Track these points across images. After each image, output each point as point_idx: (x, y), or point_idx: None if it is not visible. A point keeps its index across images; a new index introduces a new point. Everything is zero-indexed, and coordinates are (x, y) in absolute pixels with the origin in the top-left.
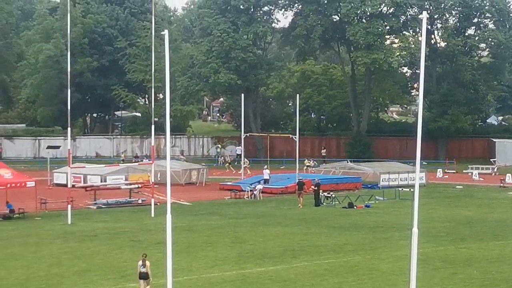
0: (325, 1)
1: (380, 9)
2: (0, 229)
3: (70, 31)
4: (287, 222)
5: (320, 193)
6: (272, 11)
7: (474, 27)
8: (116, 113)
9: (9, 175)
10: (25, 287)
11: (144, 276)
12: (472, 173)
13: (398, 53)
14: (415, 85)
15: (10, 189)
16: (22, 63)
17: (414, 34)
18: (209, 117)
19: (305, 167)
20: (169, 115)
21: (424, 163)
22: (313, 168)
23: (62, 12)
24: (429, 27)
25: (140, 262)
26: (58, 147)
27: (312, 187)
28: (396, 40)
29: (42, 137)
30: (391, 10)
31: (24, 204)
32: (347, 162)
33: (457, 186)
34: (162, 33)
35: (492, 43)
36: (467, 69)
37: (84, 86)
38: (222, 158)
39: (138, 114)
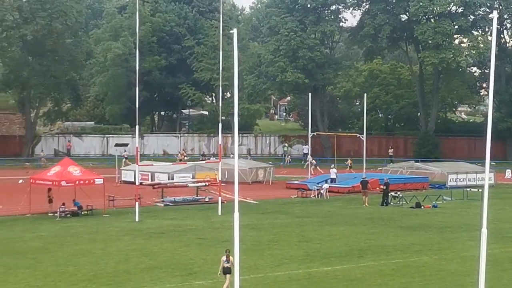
0: (394, 0)
1: (448, 9)
2: (69, 225)
3: (138, 30)
4: (354, 221)
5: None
6: (340, 10)
7: None
8: (183, 111)
9: (77, 172)
10: (93, 283)
11: (228, 271)
12: None
13: (466, 53)
14: (484, 85)
15: (79, 186)
16: (91, 61)
17: (483, 33)
18: (276, 116)
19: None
20: (237, 114)
21: (492, 163)
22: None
23: (131, 11)
24: (498, 26)
25: (224, 258)
26: (126, 144)
27: (381, 186)
28: (465, 40)
29: (110, 135)
30: (460, 10)
31: (92, 201)
32: (414, 162)
33: None
34: (231, 32)
35: None
36: None
37: (152, 84)
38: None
39: (206, 113)
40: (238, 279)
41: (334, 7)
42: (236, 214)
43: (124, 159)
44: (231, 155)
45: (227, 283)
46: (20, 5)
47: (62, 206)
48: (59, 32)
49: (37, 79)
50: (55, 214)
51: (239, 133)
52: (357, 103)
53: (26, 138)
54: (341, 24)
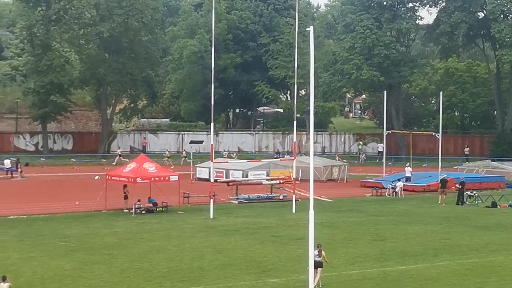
0: None
1: None
2: (144, 222)
3: (214, 27)
4: (429, 220)
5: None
6: (416, 7)
7: None
8: (258, 108)
9: (153, 169)
10: (168, 280)
11: (319, 265)
12: None
13: None
14: None
15: (154, 182)
16: (167, 58)
17: None
18: (351, 114)
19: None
20: (313, 112)
21: None
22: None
23: (207, 8)
24: None
25: (316, 252)
26: (201, 142)
27: (457, 185)
28: None
29: (185, 132)
30: None
31: (168, 198)
32: (490, 161)
33: None
34: (307, 29)
35: None
36: None
37: (227, 82)
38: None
39: (280, 110)
40: (312, 277)
41: (410, 4)
42: (311, 212)
43: (117, 157)
44: (304, 153)
45: (318, 278)
46: (97, 2)
47: (138, 203)
48: (135, 30)
49: (114, 76)
50: (131, 211)
51: (314, 131)
52: (432, 101)
53: (102, 134)
54: (417, 21)
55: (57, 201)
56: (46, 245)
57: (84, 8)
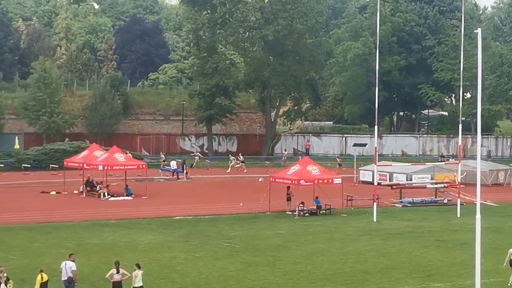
0: None
1: None
2: (307, 224)
3: (379, 30)
4: None
5: None
6: None
7: None
8: (422, 111)
9: (316, 171)
10: (331, 282)
11: None
12: None
13: None
14: None
15: (317, 185)
16: (331, 61)
17: None
18: None
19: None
20: (480, 115)
21: None
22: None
23: (372, 11)
24: None
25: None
26: (364, 144)
27: None
28: None
29: (348, 135)
30: None
31: (331, 200)
32: None
33: None
34: (475, 31)
35: None
36: None
37: (391, 85)
38: None
39: (445, 113)
40: (479, 283)
41: None
42: (478, 217)
43: (196, 157)
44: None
45: None
46: (262, 6)
47: (301, 205)
48: (299, 33)
49: (278, 79)
50: (294, 213)
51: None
52: None
53: (266, 137)
54: None
55: (221, 202)
56: (211, 246)
57: (249, 11)
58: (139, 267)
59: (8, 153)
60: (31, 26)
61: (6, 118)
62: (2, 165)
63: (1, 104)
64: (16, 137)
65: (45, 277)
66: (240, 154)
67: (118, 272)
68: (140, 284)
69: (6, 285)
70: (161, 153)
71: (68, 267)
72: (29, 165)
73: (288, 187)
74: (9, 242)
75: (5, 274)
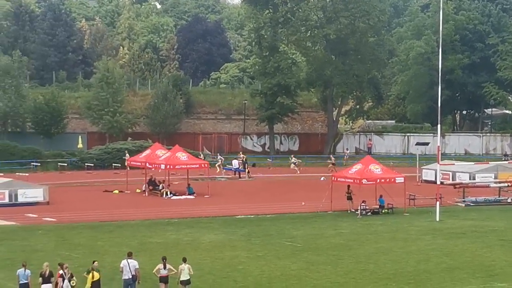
0: None
1: None
2: (369, 223)
3: (442, 28)
4: None
5: None
6: None
7: None
8: (486, 110)
9: (378, 170)
10: (394, 282)
11: None
12: None
13: None
14: None
15: (380, 184)
16: (393, 60)
17: None
18: None
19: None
20: None
21: None
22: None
23: (434, 9)
24: None
25: None
26: (427, 143)
27: None
28: None
29: (411, 134)
30: None
31: (393, 199)
32: None
33: None
34: None
35: None
36: None
37: (454, 83)
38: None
39: (509, 112)
40: None
41: None
42: None
43: (219, 161)
44: None
45: None
46: (324, 5)
47: (363, 204)
48: (362, 31)
49: (340, 78)
50: (356, 212)
51: None
52: None
53: (328, 136)
54: None
55: (283, 201)
56: (273, 245)
57: (311, 10)
58: (185, 261)
59: (72, 152)
60: (94, 26)
61: (70, 118)
62: (66, 164)
63: (64, 104)
64: (80, 136)
65: (97, 276)
66: (292, 156)
67: (165, 267)
68: (187, 277)
69: (69, 281)
70: (218, 154)
71: (131, 266)
72: (92, 164)
73: (349, 186)
74: (72, 241)
75: (69, 271)
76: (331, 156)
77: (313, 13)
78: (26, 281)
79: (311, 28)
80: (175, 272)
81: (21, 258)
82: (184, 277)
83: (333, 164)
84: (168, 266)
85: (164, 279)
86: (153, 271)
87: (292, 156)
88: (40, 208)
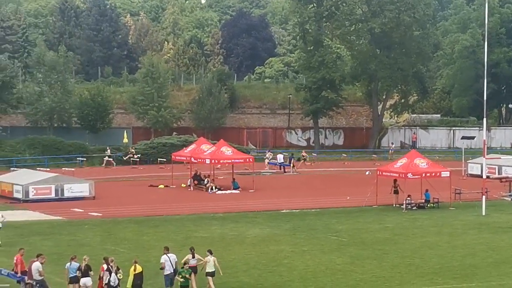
0: None
1: None
2: (415, 217)
3: (487, 21)
4: None
5: None
6: None
7: None
8: None
9: (424, 164)
10: (439, 276)
11: None
12: None
13: None
14: None
15: (425, 178)
16: (438, 53)
17: None
18: None
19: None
20: None
21: None
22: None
23: (480, 2)
24: None
25: None
26: (472, 137)
27: None
28: None
29: (456, 128)
30: None
31: (439, 193)
32: None
33: None
34: None
35: None
36: None
37: (500, 77)
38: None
39: None
40: None
41: None
42: None
43: (105, 158)
44: None
45: None
46: None
47: (408, 198)
48: (406, 25)
49: (385, 72)
50: (401, 206)
51: None
52: None
53: (373, 130)
54: None
55: (328, 195)
56: (318, 239)
57: (355, 4)
58: (211, 253)
59: (117, 147)
60: (139, 21)
61: (115, 113)
62: (111, 159)
63: (110, 99)
64: (125, 131)
65: (139, 268)
66: (303, 151)
67: (193, 257)
68: (212, 269)
69: (116, 274)
70: (267, 150)
71: (172, 259)
72: (137, 159)
73: (395, 180)
74: (118, 235)
75: (115, 264)
76: (304, 151)
77: (358, 6)
78: (74, 274)
79: (355, 22)
80: (203, 262)
81: (68, 252)
82: (210, 269)
83: (304, 159)
84: (197, 256)
85: (193, 269)
86: (182, 261)
87: (303, 151)
88: (86, 203)
